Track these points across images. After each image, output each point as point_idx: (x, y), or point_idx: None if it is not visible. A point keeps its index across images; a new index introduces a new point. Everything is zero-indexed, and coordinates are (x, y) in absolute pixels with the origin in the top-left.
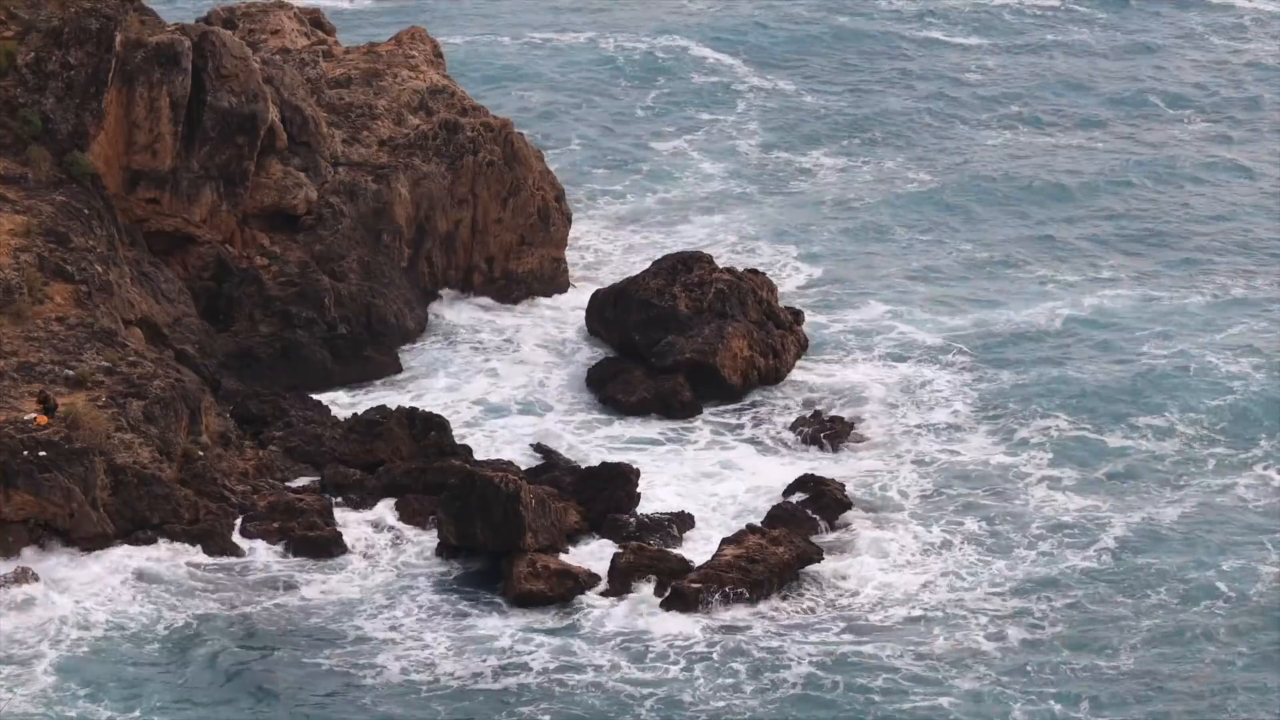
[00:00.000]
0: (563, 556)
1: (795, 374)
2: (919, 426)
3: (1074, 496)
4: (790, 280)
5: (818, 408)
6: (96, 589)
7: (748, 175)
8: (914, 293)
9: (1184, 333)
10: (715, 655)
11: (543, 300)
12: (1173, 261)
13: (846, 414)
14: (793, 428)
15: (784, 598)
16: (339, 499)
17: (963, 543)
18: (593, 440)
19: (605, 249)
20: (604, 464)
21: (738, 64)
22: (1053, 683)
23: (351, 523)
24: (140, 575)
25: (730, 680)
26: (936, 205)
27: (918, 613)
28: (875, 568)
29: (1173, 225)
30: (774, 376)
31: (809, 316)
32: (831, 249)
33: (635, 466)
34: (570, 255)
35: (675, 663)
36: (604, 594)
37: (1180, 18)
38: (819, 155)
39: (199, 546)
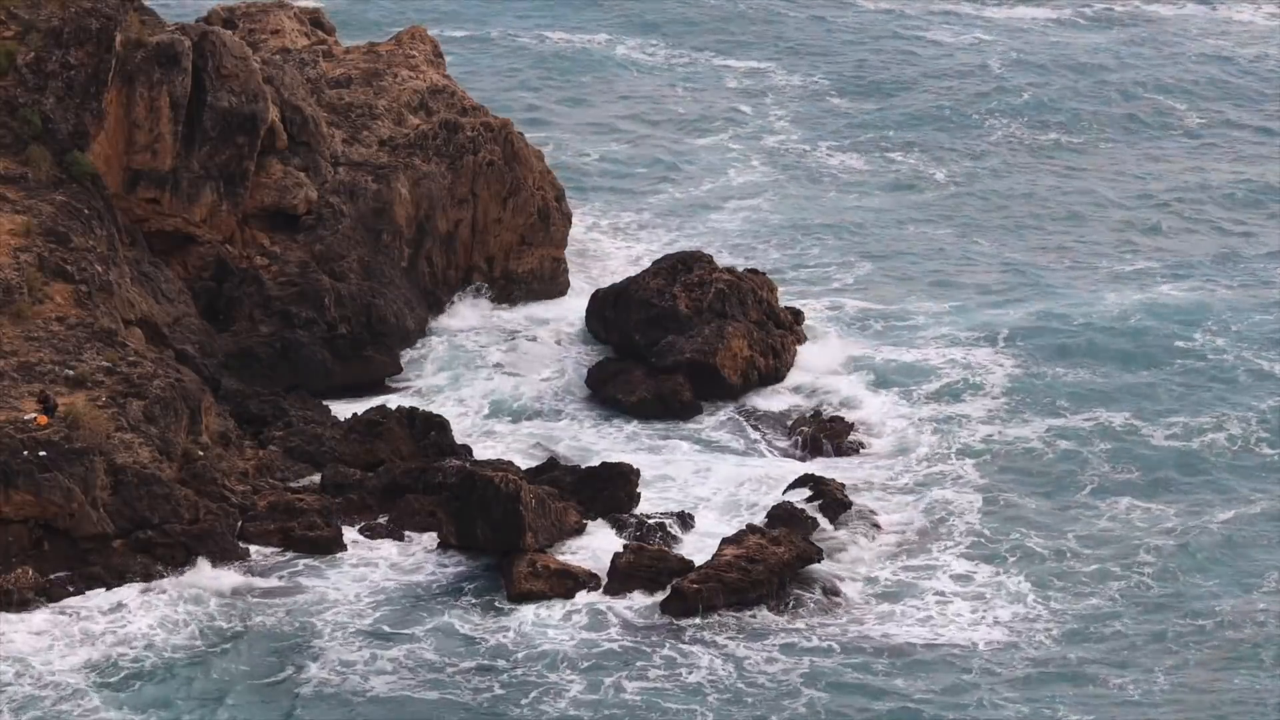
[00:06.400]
0: (562, 555)
1: (813, 372)
2: (936, 425)
3: (1110, 503)
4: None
5: (819, 407)
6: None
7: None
8: (948, 289)
9: (1230, 329)
10: (706, 668)
11: (544, 302)
12: (1218, 258)
13: (860, 413)
14: (793, 427)
15: (781, 609)
16: (339, 501)
17: (975, 548)
18: (593, 440)
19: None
20: (604, 464)
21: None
22: (1072, 705)
23: (351, 522)
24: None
25: (724, 704)
26: (968, 206)
27: (923, 622)
28: (880, 574)
29: (1216, 221)
30: (774, 376)
31: (837, 312)
32: (867, 251)
33: (635, 466)
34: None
35: (668, 678)
36: (603, 596)
37: (1194, 20)
38: (844, 155)
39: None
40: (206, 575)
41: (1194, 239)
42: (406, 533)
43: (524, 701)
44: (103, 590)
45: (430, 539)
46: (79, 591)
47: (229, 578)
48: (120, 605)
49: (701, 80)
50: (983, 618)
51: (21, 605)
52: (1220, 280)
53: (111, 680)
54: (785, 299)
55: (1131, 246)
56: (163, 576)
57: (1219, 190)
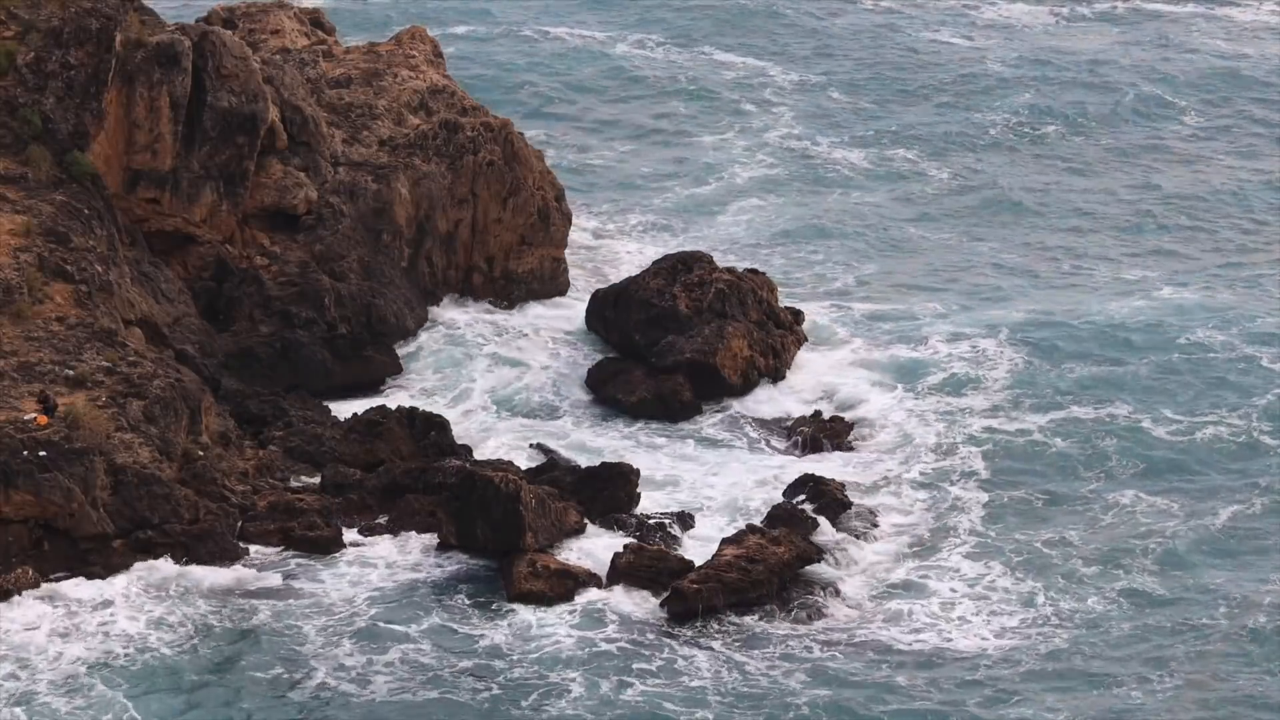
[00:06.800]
0: (562, 555)
1: (816, 372)
2: (940, 423)
3: (1115, 500)
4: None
5: (820, 407)
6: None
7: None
8: (951, 288)
9: (1231, 328)
10: (707, 669)
11: (544, 302)
12: (1220, 257)
13: (862, 412)
14: (793, 427)
15: (783, 611)
16: (339, 501)
17: (980, 548)
18: (593, 440)
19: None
20: (604, 464)
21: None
22: (1078, 708)
23: (351, 522)
24: (139, 582)
25: (726, 706)
26: (970, 205)
27: (927, 624)
28: (883, 575)
29: (1218, 220)
30: (774, 376)
31: (847, 310)
32: (865, 252)
33: (635, 466)
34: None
35: (669, 679)
36: (603, 593)
37: (1196, 17)
38: (846, 152)
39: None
40: (203, 574)
41: (1196, 238)
42: (406, 533)
43: (524, 703)
44: (100, 588)
45: (430, 539)
46: (77, 590)
47: (226, 577)
48: (116, 603)
49: (704, 77)
50: (988, 619)
51: (19, 601)
52: (1222, 280)
53: (105, 678)
54: (790, 299)
55: (1133, 245)
56: (160, 575)
57: (1221, 189)
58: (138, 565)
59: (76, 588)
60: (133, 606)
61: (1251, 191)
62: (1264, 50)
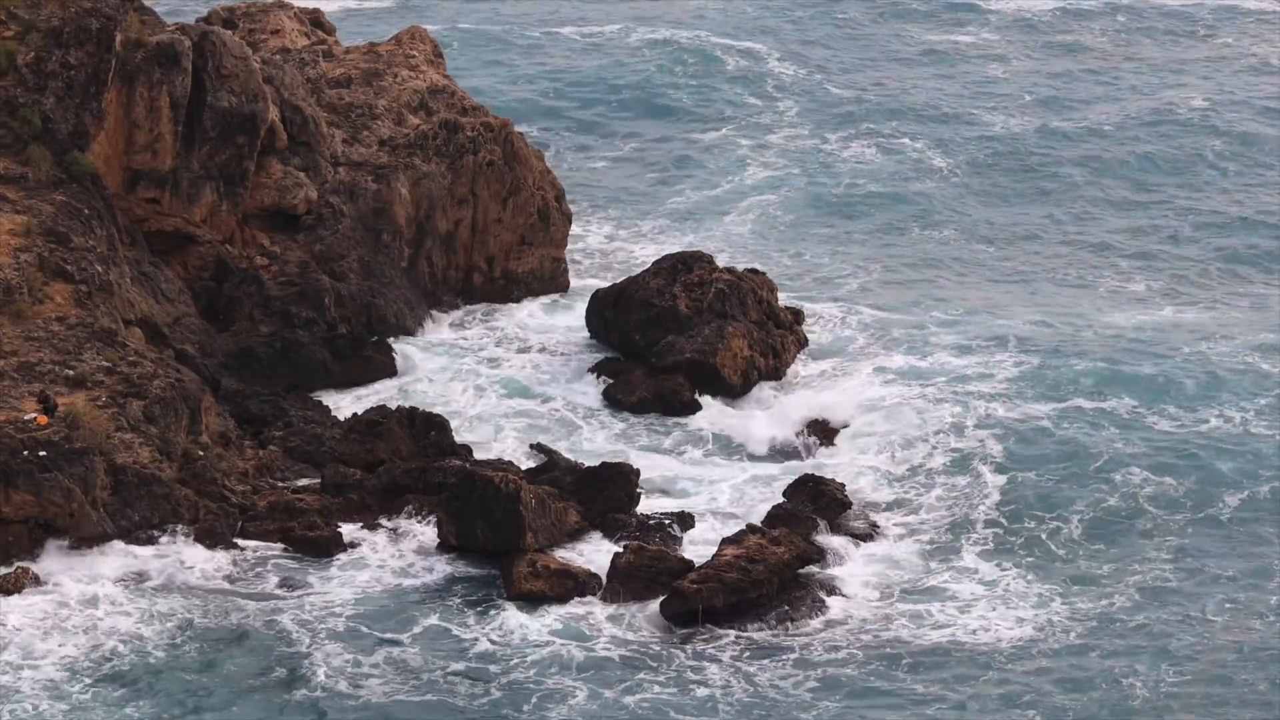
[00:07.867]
0: (561, 554)
1: (818, 372)
2: (946, 423)
3: (1125, 498)
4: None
5: (819, 407)
6: (90, 591)
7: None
8: (957, 291)
9: (1234, 336)
10: (710, 671)
11: (543, 300)
12: (1225, 259)
13: (865, 412)
14: (793, 428)
15: (787, 615)
16: (339, 501)
17: (989, 547)
18: (593, 439)
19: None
20: (604, 464)
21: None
22: (1088, 710)
23: (351, 522)
24: (138, 576)
25: (733, 712)
26: (975, 206)
27: (935, 625)
28: (888, 576)
29: (1212, 225)
30: (774, 376)
31: (846, 314)
32: (867, 248)
33: (635, 466)
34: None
35: (672, 681)
36: (603, 596)
37: (1203, 9)
38: (853, 154)
39: (197, 546)
40: (199, 573)
41: (1201, 242)
42: (404, 533)
43: (525, 706)
44: (93, 585)
45: (429, 538)
46: (70, 586)
47: (222, 576)
48: (106, 601)
49: (708, 75)
50: (999, 621)
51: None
52: (1226, 287)
53: (93, 677)
54: (796, 299)
55: (1138, 248)
56: (154, 573)
57: (1228, 191)
58: (132, 563)
59: (70, 585)
60: (125, 604)
61: (1260, 195)
62: (1273, 42)
